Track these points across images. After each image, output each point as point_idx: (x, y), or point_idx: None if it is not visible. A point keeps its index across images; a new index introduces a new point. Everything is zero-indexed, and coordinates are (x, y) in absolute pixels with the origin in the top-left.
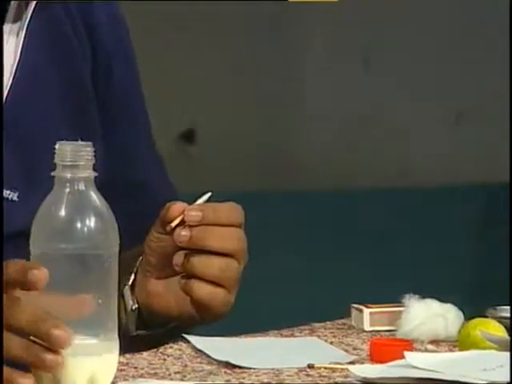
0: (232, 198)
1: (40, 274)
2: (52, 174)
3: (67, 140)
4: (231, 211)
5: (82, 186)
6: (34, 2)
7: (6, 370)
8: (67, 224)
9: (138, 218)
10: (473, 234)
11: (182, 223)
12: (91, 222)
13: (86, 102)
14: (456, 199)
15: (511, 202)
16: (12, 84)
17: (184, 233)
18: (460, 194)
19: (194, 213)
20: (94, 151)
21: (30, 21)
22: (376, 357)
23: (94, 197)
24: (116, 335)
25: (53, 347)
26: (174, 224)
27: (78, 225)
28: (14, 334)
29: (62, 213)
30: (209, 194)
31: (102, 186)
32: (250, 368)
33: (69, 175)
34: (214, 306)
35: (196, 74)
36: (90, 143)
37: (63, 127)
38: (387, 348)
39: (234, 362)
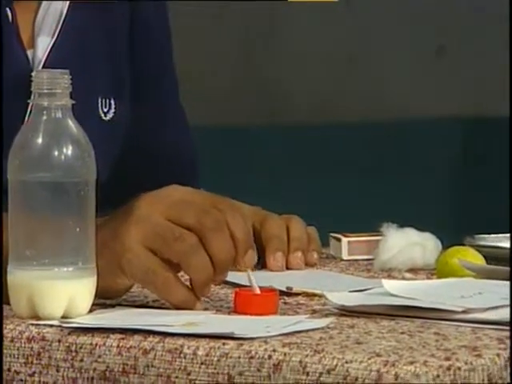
0: (220, 132)
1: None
2: (28, 101)
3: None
4: None
5: (58, 114)
6: None
7: None
8: (44, 152)
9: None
10: (452, 167)
11: None
12: (68, 150)
13: (123, 70)
14: (435, 132)
15: (511, 138)
16: (56, 41)
17: None
18: (440, 127)
19: None
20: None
21: None
22: (240, 308)
23: (71, 124)
24: (94, 263)
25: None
26: None
27: (55, 152)
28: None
29: (39, 141)
30: None
31: (130, 149)
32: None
33: (46, 103)
34: None
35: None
36: (67, 71)
37: (102, 87)
38: (252, 298)
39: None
